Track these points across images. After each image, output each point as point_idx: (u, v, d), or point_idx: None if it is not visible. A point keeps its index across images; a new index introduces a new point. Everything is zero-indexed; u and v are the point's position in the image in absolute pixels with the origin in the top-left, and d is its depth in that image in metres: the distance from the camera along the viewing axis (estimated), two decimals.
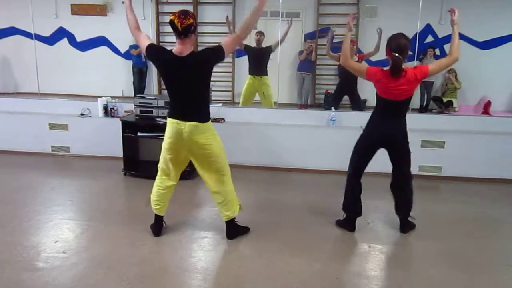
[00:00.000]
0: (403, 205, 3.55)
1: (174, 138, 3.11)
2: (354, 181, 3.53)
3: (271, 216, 3.92)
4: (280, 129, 5.35)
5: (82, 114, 5.66)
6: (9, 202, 4.11)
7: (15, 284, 2.72)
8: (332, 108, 5.52)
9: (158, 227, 3.46)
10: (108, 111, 5.56)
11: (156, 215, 3.44)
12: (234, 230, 3.45)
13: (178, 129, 3.06)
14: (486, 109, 6.90)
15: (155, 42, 3.31)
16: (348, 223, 3.62)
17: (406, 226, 3.59)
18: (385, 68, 3.22)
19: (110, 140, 5.36)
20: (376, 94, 3.34)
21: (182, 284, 2.82)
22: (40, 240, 3.34)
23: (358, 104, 6.45)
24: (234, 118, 5.45)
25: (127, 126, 4.97)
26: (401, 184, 3.50)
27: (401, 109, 3.32)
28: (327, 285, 2.83)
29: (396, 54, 3.10)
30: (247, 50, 6.64)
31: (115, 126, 5.08)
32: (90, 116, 5.66)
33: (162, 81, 8.24)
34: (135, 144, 5.32)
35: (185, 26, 2.88)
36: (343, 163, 5.10)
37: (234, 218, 3.42)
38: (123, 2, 3.44)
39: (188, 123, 3.03)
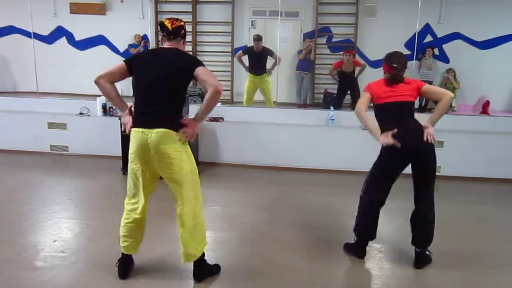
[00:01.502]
0: (422, 234, 3.05)
1: (138, 150, 2.62)
2: (371, 209, 3.11)
3: (270, 215, 3.91)
4: (279, 128, 5.35)
5: (80, 113, 5.66)
6: (8, 201, 4.10)
7: (14, 283, 2.72)
8: (331, 107, 5.52)
9: (126, 267, 2.85)
10: (107, 110, 5.56)
11: (123, 254, 2.84)
12: (203, 269, 2.87)
13: (143, 139, 2.57)
14: (485, 108, 6.91)
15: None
16: (358, 248, 3.21)
17: (421, 260, 3.07)
18: (379, 80, 3.10)
19: (108, 139, 5.36)
20: (376, 107, 3.05)
21: (181, 283, 2.82)
22: (38, 239, 3.33)
23: (356, 99, 6.52)
24: (233, 117, 5.45)
25: None
26: (424, 213, 3.02)
27: (405, 114, 3.00)
28: (326, 284, 2.83)
29: (395, 65, 2.97)
30: (247, 52, 6.88)
31: (114, 125, 5.07)
32: (88, 115, 5.65)
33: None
34: None
35: (176, 26, 2.71)
36: (342, 162, 5.14)
37: (203, 255, 2.84)
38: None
39: (155, 130, 2.55)
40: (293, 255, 3.18)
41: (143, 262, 3.01)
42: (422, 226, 3.03)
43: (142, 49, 7.83)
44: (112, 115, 5.51)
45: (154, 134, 2.55)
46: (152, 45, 8.01)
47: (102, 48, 8.29)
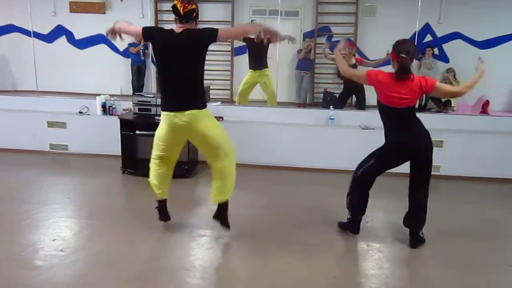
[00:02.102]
0: (416, 215, 3.32)
1: (171, 132, 3.04)
2: (367, 180, 3.34)
3: (269, 215, 3.92)
4: (278, 127, 5.34)
5: (80, 112, 5.65)
6: (7, 200, 4.10)
7: (13, 283, 2.72)
8: (331, 107, 5.52)
9: (166, 212, 3.44)
10: (107, 109, 5.55)
11: (159, 200, 3.40)
12: (225, 214, 3.34)
13: (176, 122, 2.97)
14: (484, 108, 6.90)
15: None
16: (352, 225, 3.48)
17: (416, 240, 3.35)
18: (387, 72, 3.12)
19: (108, 138, 5.35)
20: (378, 103, 3.17)
21: (180, 283, 2.82)
22: (38, 238, 3.33)
23: (363, 105, 6.47)
24: (233, 116, 5.45)
25: (125, 124, 4.97)
26: (417, 196, 3.29)
27: (407, 116, 3.14)
28: (325, 284, 2.83)
29: (403, 55, 2.97)
30: (246, 41, 6.53)
31: (114, 124, 5.07)
32: (88, 114, 5.64)
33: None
34: (134, 142, 5.30)
35: (188, 10, 2.88)
36: (342, 161, 5.13)
37: (227, 203, 3.33)
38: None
39: (187, 113, 2.94)
40: (292, 255, 3.18)
41: (143, 263, 3.01)
42: (414, 208, 3.31)
43: (142, 48, 7.82)
44: (111, 114, 5.50)
45: (185, 116, 2.94)
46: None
47: (102, 47, 8.27)
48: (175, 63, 2.93)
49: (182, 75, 2.96)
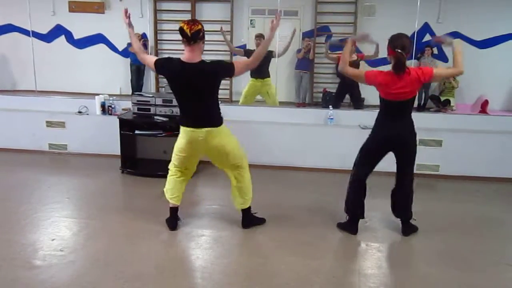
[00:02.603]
0: (404, 206, 3.48)
1: (189, 144, 3.22)
2: (358, 184, 3.47)
3: (268, 214, 3.91)
4: (277, 127, 5.34)
5: (79, 112, 5.65)
6: (6, 200, 4.10)
7: (12, 282, 2.72)
8: (330, 106, 5.52)
9: (176, 220, 3.53)
10: (106, 109, 5.54)
11: (171, 208, 3.50)
12: (249, 219, 3.57)
13: (194, 136, 3.17)
14: (483, 108, 6.92)
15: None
16: (350, 226, 3.55)
17: (408, 228, 3.52)
18: (385, 70, 3.20)
19: (107, 138, 5.35)
20: (379, 96, 3.29)
21: (179, 282, 2.82)
22: (37, 238, 3.33)
23: (358, 102, 6.49)
24: (232, 116, 5.39)
25: (124, 124, 4.96)
26: (403, 184, 3.44)
27: (406, 109, 3.27)
28: (324, 283, 2.83)
29: (399, 50, 3.05)
30: (247, 54, 6.58)
31: (113, 124, 5.06)
32: (87, 114, 5.64)
33: (160, 82, 8.26)
34: (133, 142, 5.31)
35: (194, 31, 2.99)
36: (341, 161, 5.13)
37: (250, 207, 3.55)
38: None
39: (204, 130, 3.14)
40: (291, 254, 3.18)
41: (142, 262, 3.01)
42: (402, 193, 3.44)
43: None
44: (111, 114, 5.50)
45: (203, 133, 3.14)
46: (151, 43, 8.01)
47: (101, 46, 8.28)
48: (191, 90, 3.11)
49: (198, 99, 3.13)
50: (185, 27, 2.98)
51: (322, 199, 4.34)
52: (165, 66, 3.17)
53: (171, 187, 3.48)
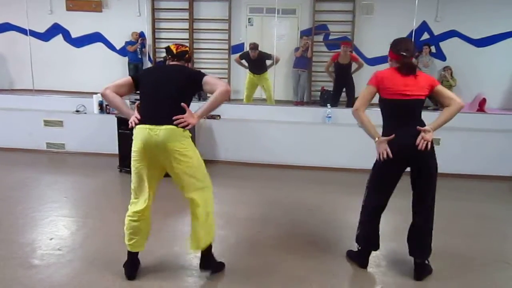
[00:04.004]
0: (420, 243, 2.90)
1: (143, 147, 2.63)
2: (372, 212, 2.94)
3: (266, 213, 3.92)
4: (275, 125, 5.35)
5: (77, 111, 5.64)
6: (4, 199, 4.09)
7: (10, 282, 2.71)
8: (328, 105, 5.52)
9: (134, 267, 2.82)
10: (104, 108, 5.54)
11: (129, 252, 2.80)
12: (210, 260, 2.91)
13: (150, 135, 2.59)
14: (481, 106, 6.92)
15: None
16: (360, 257, 3.05)
17: (423, 271, 2.92)
18: (385, 69, 2.90)
19: (105, 137, 5.35)
20: (381, 101, 2.83)
21: (177, 281, 2.82)
22: (35, 237, 3.32)
23: (351, 96, 6.65)
24: (230, 115, 5.44)
25: (122, 123, 4.95)
26: (421, 226, 2.88)
27: (413, 112, 2.81)
28: (323, 282, 2.83)
29: (405, 54, 2.74)
30: (243, 57, 6.90)
31: (111, 123, 5.06)
32: (85, 113, 5.63)
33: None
34: (131, 141, 5.27)
35: (180, 51, 2.83)
36: (339, 159, 5.15)
37: (210, 246, 2.87)
38: None
39: (164, 127, 2.56)
40: (290, 253, 3.19)
41: (140, 261, 3.01)
42: (418, 238, 2.89)
43: (139, 47, 7.82)
44: (108, 113, 5.49)
45: (161, 131, 2.57)
46: (149, 42, 8.00)
47: (99, 45, 8.27)
48: (159, 85, 2.70)
49: (165, 93, 2.66)
50: (172, 47, 2.85)
51: (320, 198, 4.34)
52: (144, 72, 3.08)
53: (133, 233, 2.75)
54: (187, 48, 2.89)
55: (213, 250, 2.90)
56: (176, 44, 2.88)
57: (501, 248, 3.43)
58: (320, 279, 2.87)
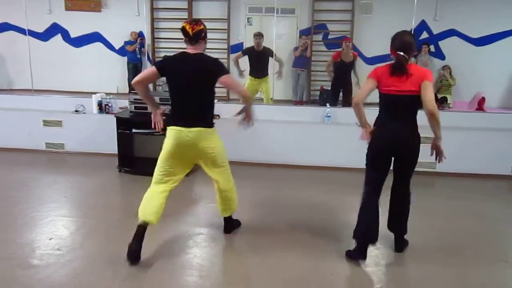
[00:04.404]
0: (399, 219, 3.17)
1: (176, 147, 2.98)
2: (370, 200, 3.05)
3: (266, 212, 3.92)
4: (275, 125, 5.34)
5: (76, 111, 5.63)
6: (3, 199, 4.09)
7: (9, 282, 2.71)
8: (327, 104, 5.52)
9: (140, 244, 2.95)
10: (103, 108, 5.54)
11: (139, 225, 2.99)
12: (231, 224, 3.49)
13: (181, 136, 2.96)
14: (480, 105, 6.93)
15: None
16: (359, 251, 3.07)
17: (402, 244, 3.24)
18: (384, 64, 2.99)
19: (104, 137, 5.34)
20: (379, 94, 3.00)
21: (177, 281, 2.82)
22: (34, 237, 3.32)
23: (348, 96, 6.59)
24: (229, 114, 5.41)
25: (121, 123, 4.96)
26: (399, 195, 3.14)
27: (408, 108, 2.95)
28: (322, 281, 2.84)
29: (402, 53, 2.84)
30: (246, 53, 6.63)
31: (110, 123, 5.05)
32: (84, 113, 5.63)
33: (158, 81, 8.26)
34: (130, 141, 5.30)
35: (196, 31, 2.95)
36: (338, 159, 5.15)
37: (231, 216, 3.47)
38: None
39: (193, 129, 2.95)
40: (289, 252, 3.19)
41: (140, 261, 3.01)
42: (400, 206, 3.17)
43: (138, 46, 7.81)
44: (108, 113, 5.49)
45: (192, 133, 2.95)
46: (148, 42, 7.99)
47: (98, 45, 8.26)
48: (187, 84, 2.97)
49: (193, 95, 2.99)
50: (187, 27, 2.95)
51: (320, 197, 4.34)
52: (167, 64, 3.05)
53: (152, 205, 3.03)
54: (202, 27, 2.98)
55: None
56: (190, 23, 2.98)
57: (500, 246, 3.44)
58: (320, 278, 2.87)
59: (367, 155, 3.10)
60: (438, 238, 3.48)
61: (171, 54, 3.12)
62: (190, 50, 3.00)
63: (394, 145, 2.99)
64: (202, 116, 3.03)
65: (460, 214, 4.06)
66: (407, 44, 2.89)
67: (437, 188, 4.86)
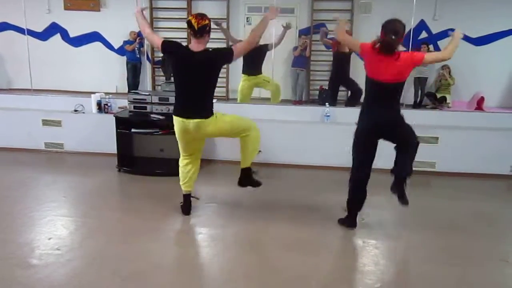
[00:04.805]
0: (403, 160, 3.34)
1: (182, 133, 3.38)
2: (357, 176, 3.42)
3: (265, 212, 3.92)
4: (274, 125, 5.34)
5: (75, 110, 5.63)
6: (2, 199, 4.08)
7: (9, 282, 2.71)
8: (327, 104, 5.52)
9: (189, 205, 3.72)
10: (102, 107, 5.53)
11: (184, 194, 3.68)
12: (248, 178, 3.66)
13: (184, 125, 3.31)
14: (479, 105, 6.94)
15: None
16: (349, 219, 3.57)
17: (401, 187, 3.33)
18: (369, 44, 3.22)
19: (104, 137, 5.34)
20: (366, 78, 3.26)
21: (176, 280, 2.82)
22: (33, 237, 3.32)
23: (355, 89, 6.45)
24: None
25: (121, 122, 4.95)
26: (406, 149, 3.32)
27: (392, 95, 3.21)
28: (321, 280, 2.84)
29: (393, 36, 3.05)
30: None
31: (109, 123, 5.05)
32: (83, 112, 5.62)
33: (157, 80, 8.24)
34: (129, 141, 5.30)
35: (201, 25, 3.18)
36: (338, 159, 5.14)
37: (250, 168, 3.64)
38: None
39: (192, 121, 3.26)
40: (289, 251, 3.19)
41: (140, 261, 3.01)
42: (404, 152, 3.31)
43: (137, 46, 7.81)
44: (107, 112, 5.48)
45: (191, 123, 3.27)
46: (147, 41, 7.97)
47: (97, 44, 8.25)
48: (191, 80, 3.26)
49: (195, 89, 3.29)
50: (193, 21, 3.18)
51: (319, 196, 4.34)
52: (172, 49, 3.35)
53: (182, 177, 3.65)
54: (207, 22, 3.23)
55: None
56: (196, 17, 3.22)
57: (499, 246, 3.44)
58: (319, 276, 2.87)
59: (354, 138, 3.37)
60: (437, 238, 3.49)
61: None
62: (195, 43, 3.25)
63: (380, 127, 3.24)
64: (202, 107, 3.30)
65: (459, 214, 4.07)
66: (398, 29, 3.10)
67: (436, 188, 4.86)
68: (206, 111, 3.32)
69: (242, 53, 3.40)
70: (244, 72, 6.30)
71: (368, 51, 3.18)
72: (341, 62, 6.78)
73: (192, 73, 3.25)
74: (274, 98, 6.44)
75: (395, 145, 3.35)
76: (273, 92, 6.41)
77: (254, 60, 6.19)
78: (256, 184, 3.69)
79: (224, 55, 3.35)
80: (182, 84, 3.34)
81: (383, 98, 3.21)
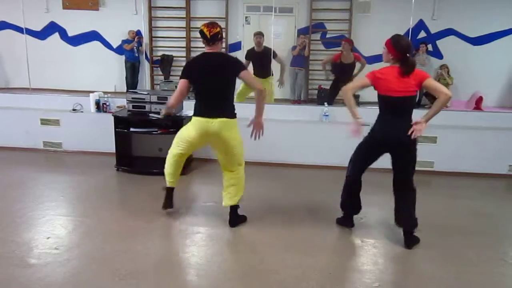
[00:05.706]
0: (406, 214, 3.31)
1: (199, 135, 3.35)
2: (353, 180, 3.45)
3: (265, 212, 3.92)
4: (273, 124, 5.30)
5: (74, 110, 5.62)
6: (1, 199, 4.08)
7: (7, 281, 2.71)
8: (325, 103, 5.52)
9: (170, 200, 3.67)
10: (100, 107, 5.53)
11: (168, 187, 3.64)
12: (236, 217, 3.58)
13: (206, 126, 3.29)
14: (478, 104, 6.95)
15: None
16: (346, 220, 3.63)
17: (411, 240, 3.32)
18: (385, 67, 3.16)
19: (102, 136, 5.33)
20: (379, 96, 3.20)
21: (175, 280, 2.82)
22: (32, 237, 3.32)
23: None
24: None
25: (119, 122, 4.94)
26: (404, 193, 3.31)
27: (405, 108, 3.17)
28: (320, 280, 2.84)
29: (408, 55, 3.08)
30: (248, 57, 6.39)
31: (108, 122, 5.05)
32: (82, 112, 5.62)
33: (155, 80, 8.23)
34: (128, 140, 5.30)
35: (213, 33, 3.24)
36: (336, 158, 5.14)
37: (237, 206, 3.58)
38: None
39: (218, 119, 3.27)
40: (287, 251, 3.19)
41: (138, 260, 3.01)
42: (404, 203, 3.31)
43: (136, 45, 7.80)
44: (105, 112, 5.48)
45: (217, 123, 3.27)
46: (146, 40, 7.97)
47: (96, 44, 8.24)
48: (211, 81, 3.30)
49: (216, 89, 3.32)
50: (205, 30, 3.25)
51: (318, 196, 4.35)
52: (191, 69, 3.38)
53: (171, 171, 3.58)
54: (218, 29, 3.28)
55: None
56: (207, 26, 3.27)
57: (497, 245, 3.44)
58: (318, 276, 2.87)
59: (361, 143, 3.35)
60: (436, 237, 3.49)
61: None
62: (209, 50, 3.31)
63: (391, 138, 3.18)
64: (226, 107, 3.35)
65: (457, 213, 4.07)
66: (410, 47, 3.15)
67: (434, 187, 4.87)
68: (231, 112, 3.37)
69: (246, 79, 3.38)
70: (254, 74, 6.26)
71: (378, 77, 3.12)
72: (343, 71, 6.69)
73: (211, 73, 3.28)
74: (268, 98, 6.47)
75: (392, 188, 3.35)
76: (268, 91, 6.42)
77: (261, 64, 6.38)
78: (244, 219, 3.68)
79: (237, 63, 3.40)
80: (203, 87, 3.34)
81: (396, 111, 3.17)
